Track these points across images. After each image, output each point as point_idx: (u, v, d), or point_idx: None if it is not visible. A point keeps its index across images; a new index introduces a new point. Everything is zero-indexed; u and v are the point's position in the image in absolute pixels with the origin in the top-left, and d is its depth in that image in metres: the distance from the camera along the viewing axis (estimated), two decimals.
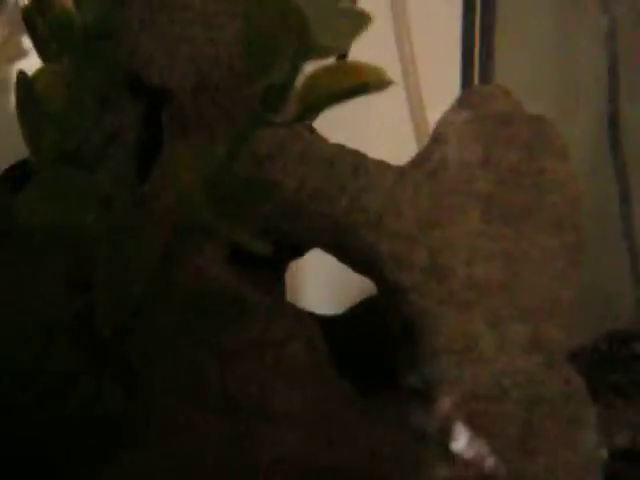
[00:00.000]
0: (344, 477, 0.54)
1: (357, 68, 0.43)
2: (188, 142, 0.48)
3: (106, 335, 0.44)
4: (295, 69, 0.41)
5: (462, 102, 0.59)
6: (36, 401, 0.45)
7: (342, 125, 0.84)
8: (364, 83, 0.43)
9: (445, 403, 0.54)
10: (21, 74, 0.52)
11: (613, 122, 0.93)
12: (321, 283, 0.96)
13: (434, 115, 0.63)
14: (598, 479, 0.57)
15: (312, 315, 0.65)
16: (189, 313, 0.48)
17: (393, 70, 0.96)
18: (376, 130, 0.92)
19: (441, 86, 0.89)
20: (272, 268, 0.66)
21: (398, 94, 0.95)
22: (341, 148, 0.60)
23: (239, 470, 0.51)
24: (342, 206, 0.57)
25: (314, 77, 0.43)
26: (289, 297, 1.01)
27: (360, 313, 0.66)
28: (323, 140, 0.61)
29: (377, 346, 0.62)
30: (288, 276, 0.99)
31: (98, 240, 0.44)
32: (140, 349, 0.48)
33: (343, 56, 0.85)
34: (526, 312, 0.55)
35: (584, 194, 0.58)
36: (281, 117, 0.42)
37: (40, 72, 0.53)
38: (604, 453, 0.70)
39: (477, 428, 0.55)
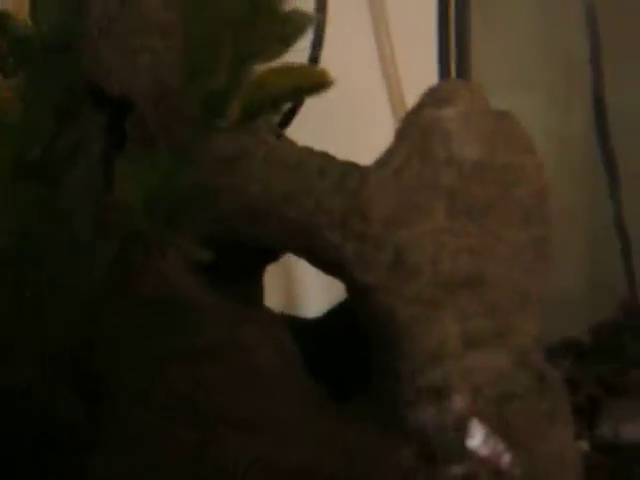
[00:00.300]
0: (319, 479, 0.54)
1: (299, 70, 0.42)
2: (135, 153, 0.49)
3: (61, 346, 0.44)
4: (237, 74, 0.41)
5: (426, 99, 0.59)
6: None
7: (322, 126, 0.84)
8: (308, 85, 0.43)
9: (459, 401, 0.54)
10: None
11: (599, 110, 0.93)
12: (318, 286, 0.95)
13: None
14: (577, 471, 0.57)
15: (287, 318, 0.65)
16: (148, 319, 0.48)
17: (373, 67, 0.96)
18: (358, 128, 0.92)
19: (420, 81, 0.89)
20: (247, 273, 0.66)
21: (379, 91, 0.95)
22: (308, 151, 0.60)
23: (205, 476, 0.51)
24: (308, 209, 0.57)
25: (257, 81, 0.43)
26: (285, 300, 1.01)
27: (337, 315, 0.66)
28: (290, 144, 0.60)
29: (353, 348, 0.62)
30: (285, 279, 0.99)
31: (49, 253, 0.44)
32: (102, 356, 0.48)
33: (315, 59, 0.85)
34: (495, 307, 0.55)
35: (550, 187, 0.57)
36: (225, 121, 0.42)
37: None
38: (584, 445, 0.70)
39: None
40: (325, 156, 0.59)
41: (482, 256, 0.55)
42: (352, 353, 0.62)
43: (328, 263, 0.57)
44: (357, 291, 0.56)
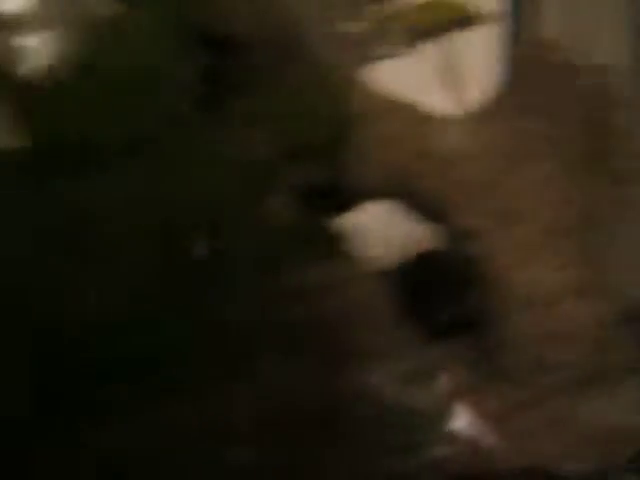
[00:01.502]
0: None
1: (442, 5, 0.43)
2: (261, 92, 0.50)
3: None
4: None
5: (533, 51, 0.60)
6: None
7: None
8: (452, 18, 0.44)
9: (443, 383, 0.55)
10: None
11: None
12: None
13: None
14: None
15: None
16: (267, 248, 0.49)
17: None
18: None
19: None
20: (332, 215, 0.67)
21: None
22: (410, 94, 0.60)
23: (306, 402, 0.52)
24: (410, 153, 0.58)
25: (403, 15, 0.44)
26: None
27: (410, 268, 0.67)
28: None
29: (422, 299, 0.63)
30: None
31: None
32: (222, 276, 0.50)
33: None
34: (594, 259, 0.56)
35: None
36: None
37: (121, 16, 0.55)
38: None
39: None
40: (428, 102, 0.59)
41: (585, 207, 0.56)
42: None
43: (427, 207, 0.58)
44: (459, 236, 0.57)
